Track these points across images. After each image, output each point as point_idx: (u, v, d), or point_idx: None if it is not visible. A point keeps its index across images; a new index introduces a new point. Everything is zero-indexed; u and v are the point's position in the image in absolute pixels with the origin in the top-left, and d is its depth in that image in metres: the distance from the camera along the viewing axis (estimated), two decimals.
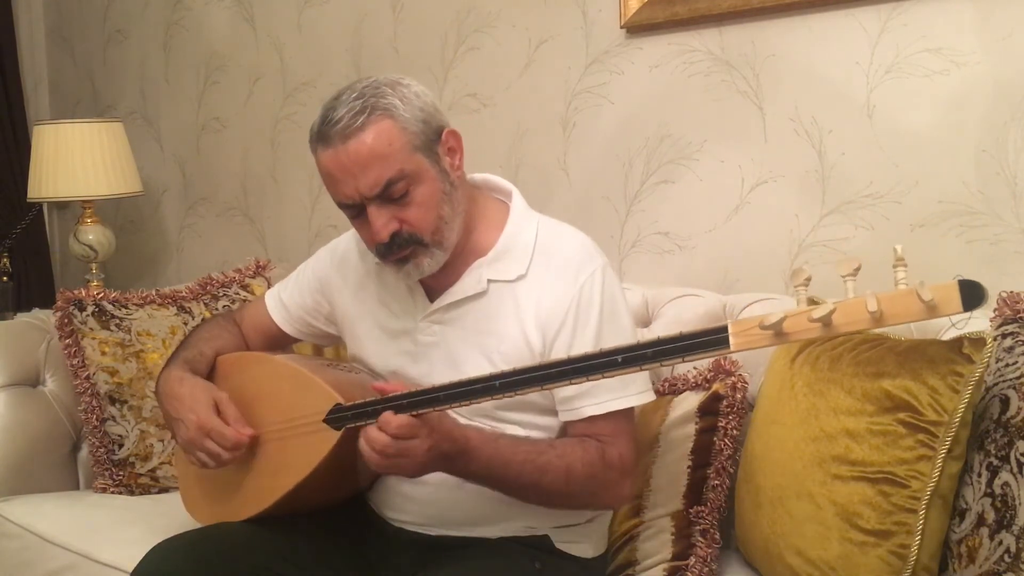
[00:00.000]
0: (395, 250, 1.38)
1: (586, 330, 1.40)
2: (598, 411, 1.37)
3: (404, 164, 1.34)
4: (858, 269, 0.98)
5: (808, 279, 1.01)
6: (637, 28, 2.03)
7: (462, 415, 1.36)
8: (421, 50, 2.39)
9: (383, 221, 1.35)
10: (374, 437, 1.26)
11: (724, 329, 1.05)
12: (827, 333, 0.99)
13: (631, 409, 1.43)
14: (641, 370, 1.14)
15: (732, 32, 1.92)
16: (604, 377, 1.18)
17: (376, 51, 2.48)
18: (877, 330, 1.51)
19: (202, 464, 1.48)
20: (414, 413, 1.26)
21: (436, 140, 1.39)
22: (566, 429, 1.43)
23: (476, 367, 1.41)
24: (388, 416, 1.25)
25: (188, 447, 1.49)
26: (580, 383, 1.20)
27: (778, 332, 1.01)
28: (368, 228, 1.37)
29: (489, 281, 1.44)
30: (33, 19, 3.37)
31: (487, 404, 1.29)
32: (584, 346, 1.37)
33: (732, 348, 1.05)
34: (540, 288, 1.42)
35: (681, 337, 1.09)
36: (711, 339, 1.06)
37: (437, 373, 1.42)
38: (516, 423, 1.42)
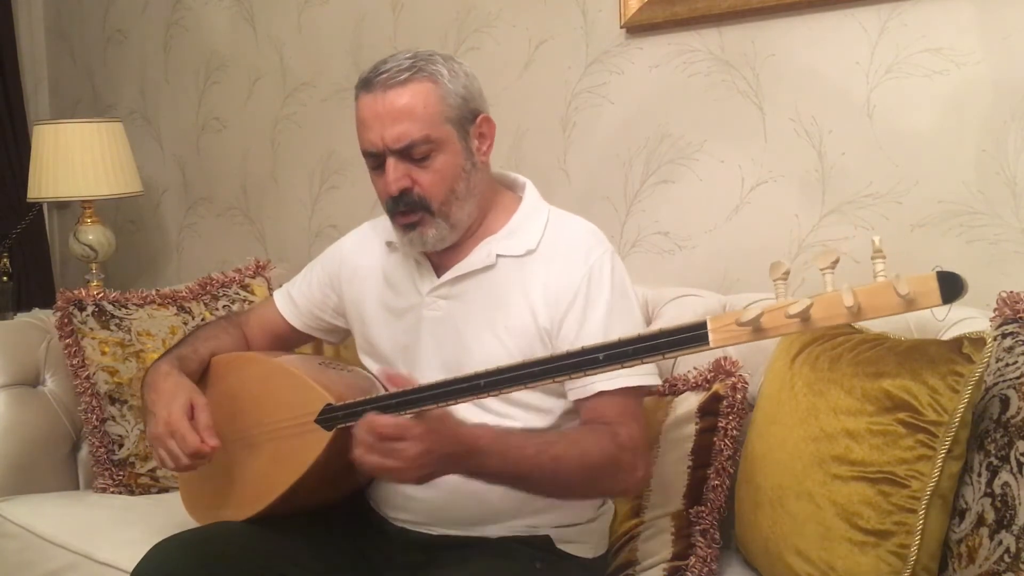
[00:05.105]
0: (402, 208, 1.41)
1: (596, 309, 1.40)
2: (608, 387, 1.37)
3: (432, 131, 1.38)
4: (836, 262, 0.97)
5: (787, 272, 1.00)
6: (637, 28, 2.03)
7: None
8: None
9: (397, 176, 1.39)
10: (361, 436, 1.22)
11: (703, 325, 1.05)
12: (806, 328, 0.99)
13: (640, 394, 1.44)
14: (623, 367, 1.14)
15: (732, 32, 1.92)
16: (586, 375, 1.18)
17: (376, 51, 2.47)
18: (877, 329, 1.51)
19: (161, 462, 1.47)
20: (412, 411, 1.22)
21: (470, 120, 1.43)
22: (577, 410, 1.43)
23: (482, 342, 1.42)
24: (373, 415, 1.22)
25: (152, 442, 1.48)
26: (562, 380, 1.19)
27: (756, 328, 1.00)
28: (383, 180, 1.41)
29: (498, 256, 1.45)
30: (33, 19, 3.37)
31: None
32: (594, 325, 1.39)
33: (711, 344, 1.04)
34: (549, 267, 1.43)
35: (661, 334, 1.09)
36: (690, 336, 1.06)
37: (443, 349, 1.44)
38: (524, 405, 1.43)
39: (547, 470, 1.32)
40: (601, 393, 1.38)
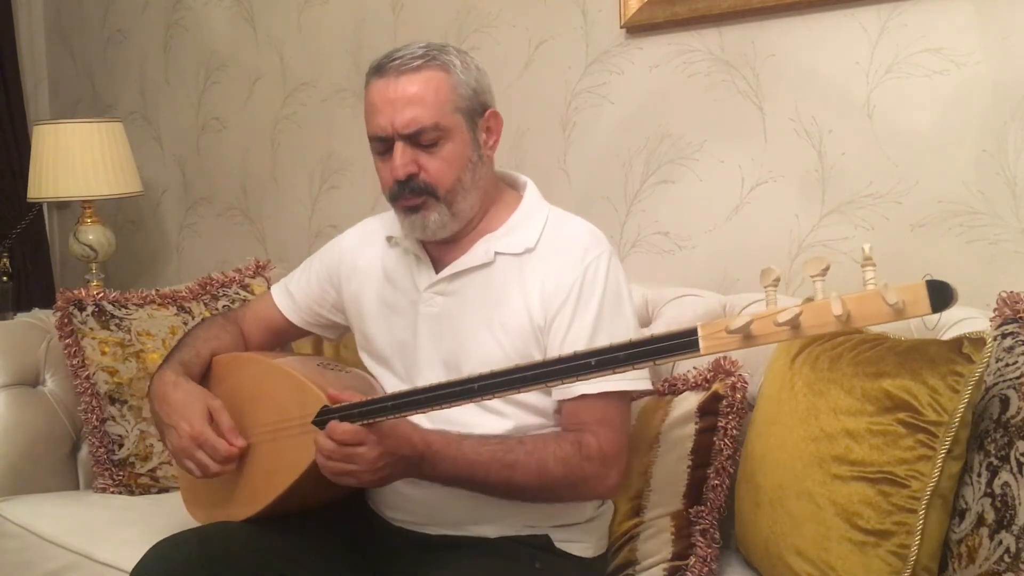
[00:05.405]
0: (407, 194, 1.41)
1: (587, 312, 1.41)
2: (591, 390, 1.38)
3: (441, 119, 1.39)
4: (827, 269, 0.97)
5: (777, 279, 1.00)
6: (637, 28, 2.03)
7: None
8: None
9: (404, 161, 1.40)
10: (321, 443, 1.30)
11: (694, 332, 1.05)
12: (796, 336, 0.99)
13: (625, 399, 1.44)
14: (614, 373, 1.15)
15: (732, 32, 1.92)
16: (578, 380, 1.19)
17: (376, 51, 2.44)
18: (877, 329, 1.51)
19: (190, 472, 1.48)
20: (370, 421, 1.28)
21: (479, 113, 1.44)
22: (559, 409, 1.44)
23: (478, 339, 1.43)
24: (334, 423, 1.30)
25: (178, 455, 1.48)
26: (555, 386, 1.20)
27: (746, 336, 1.01)
28: (389, 165, 1.42)
29: (496, 253, 1.46)
30: (33, 19, 3.37)
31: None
32: (582, 328, 1.39)
33: (701, 351, 1.05)
34: (546, 265, 1.44)
35: (652, 340, 1.09)
36: (681, 342, 1.06)
37: (440, 346, 1.45)
38: (521, 404, 1.43)
39: (500, 477, 1.36)
40: (583, 396, 1.38)
